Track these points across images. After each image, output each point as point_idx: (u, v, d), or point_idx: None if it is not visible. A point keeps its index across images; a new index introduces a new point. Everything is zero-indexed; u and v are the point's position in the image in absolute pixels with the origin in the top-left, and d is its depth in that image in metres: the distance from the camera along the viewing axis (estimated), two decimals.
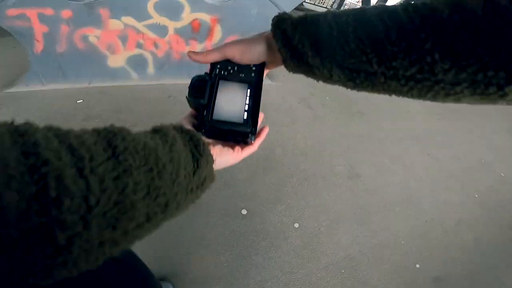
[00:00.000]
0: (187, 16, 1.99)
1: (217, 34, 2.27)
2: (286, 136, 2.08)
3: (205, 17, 2.10)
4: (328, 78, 0.40)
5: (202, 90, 0.44)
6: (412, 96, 0.35)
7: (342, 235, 1.66)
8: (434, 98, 0.33)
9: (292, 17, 0.40)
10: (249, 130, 0.44)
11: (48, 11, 1.75)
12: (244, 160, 1.50)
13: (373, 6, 0.35)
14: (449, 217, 1.94)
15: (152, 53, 2.17)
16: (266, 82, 2.54)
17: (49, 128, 0.26)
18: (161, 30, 2.02)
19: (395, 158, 2.26)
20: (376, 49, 0.33)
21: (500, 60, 0.27)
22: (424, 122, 3.01)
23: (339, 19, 0.36)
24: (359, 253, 1.60)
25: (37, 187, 0.21)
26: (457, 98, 0.32)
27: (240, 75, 0.47)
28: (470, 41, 0.28)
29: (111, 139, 0.29)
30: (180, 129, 0.40)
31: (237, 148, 0.47)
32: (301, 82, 2.79)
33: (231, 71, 0.46)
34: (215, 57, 0.46)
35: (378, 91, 0.38)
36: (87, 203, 0.24)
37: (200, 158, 0.38)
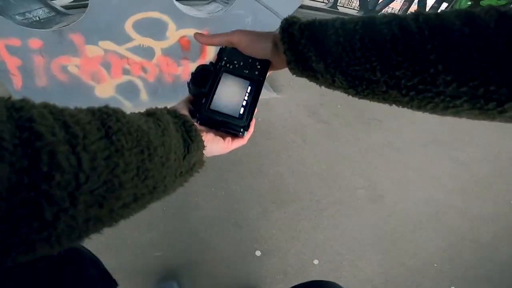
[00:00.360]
0: (173, 34, 1.77)
1: (211, 49, 2.04)
2: (297, 160, 1.86)
3: (193, 32, 1.89)
4: (331, 84, 0.40)
5: (205, 80, 0.45)
6: (412, 107, 0.35)
7: (367, 266, 1.52)
8: (433, 110, 0.34)
9: (301, 21, 0.40)
10: (242, 125, 0.46)
11: (15, 42, 1.56)
12: (254, 195, 1.62)
13: (383, 15, 0.35)
14: (483, 231, 1.77)
15: (142, 79, 1.96)
16: (271, 95, 2.34)
17: (45, 105, 0.26)
18: (146, 52, 1.81)
19: (419, 169, 2.05)
20: (381, 57, 0.33)
21: (504, 75, 0.26)
22: (446, 121, 2.74)
23: (347, 26, 0.36)
24: (387, 283, 1.47)
25: (29, 161, 0.21)
26: (456, 111, 0.32)
27: (244, 71, 0.47)
28: (477, 54, 0.27)
29: (105, 120, 0.29)
30: (174, 113, 0.41)
31: (228, 139, 0.48)
32: (309, 92, 2.59)
33: (236, 65, 0.47)
34: (221, 41, 0.47)
35: (378, 100, 0.38)
36: (77, 180, 0.24)
37: (191, 143, 0.38)
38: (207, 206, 1.56)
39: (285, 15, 1.74)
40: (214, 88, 0.46)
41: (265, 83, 2.00)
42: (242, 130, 0.47)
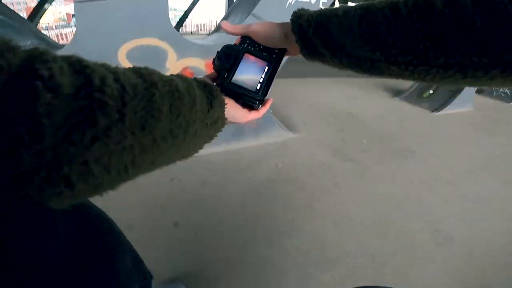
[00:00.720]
0: (174, 64, 1.49)
1: None
2: (333, 208, 1.47)
3: (197, 63, 1.61)
4: (340, 66, 0.45)
5: (229, 57, 0.51)
6: (415, 79, 0.39)
7: None
8: (433, 81, 0.37)
9: (309, 12, 0.46)
10: (258, 98, 0.51)
11: None
12: (290, 258, 1.22)
13: (379, 1, 0.38)
14: None
15: None
16: (287, 135, 2.15)
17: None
18: None
19: (478, 199, 1.75)
20: (378, 40, 0.38)
21: (484, 47, 0.30)
22: (479, 142, 2.75)
23: (348, 14, 0.41)
24: None
25: (84, 80, 0.24)
26: (453, 80, 0.35)
27: (263, 53, 0.53)
28: (457, 32, 0.31)
29: (137, 70, 0.32)
30: (194, 78, 0.44)
31: (245, 109, 0.53)
32: (326, 129, 2.40)
33: (257, 48, 0.53)
34: (241, 30, 0.54)
35: (385, 75, 0.42)
36: (122, 99, 0.26)
37: (214, 99, 0.42)
38: (231, 277, 1.15)
39: None
40: (236, 65, 0.51)
41: (279, 122, 1.74)
42: (257, 103, 0.52)
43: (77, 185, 0.24)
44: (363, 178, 1.75)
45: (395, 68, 0.38)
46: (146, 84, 0.29)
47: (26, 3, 38.41)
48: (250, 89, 0.51)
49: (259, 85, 0.52)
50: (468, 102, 4.16)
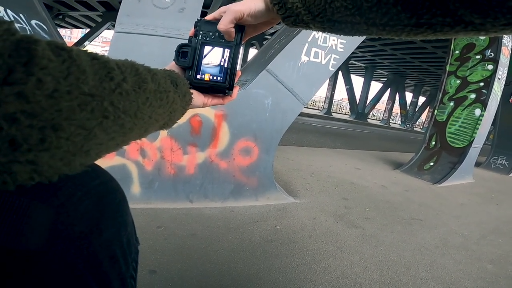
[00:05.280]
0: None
1: (224, 136, 1.77)
2: (336, 271, 1.34)
3: (207, 112, 1.64)
4: (322, 30, 0.48)
5: (186, 54, 0.51)
6: (391, 36, 0.42)
7: None
8: (407, 37, 0.41)
9: None
10: (227, 87, 0.52)
11: None
12: None
13: None
14: None
15: (138, 165, 1.60)
16: (287, 199, 2.12)
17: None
18: None
19: (497, 263, 1.68)
20: (355, 5, 0.40)
21: (446, 9, 0.33)
22: (487, 210, 2.81)
23: None
24: None
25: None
26: (425, 35, 0.39)
27: (221, 40, 0.52)
28: None
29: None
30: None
31: (208, 96, 0.54)
32: (329, 196, 2.40)
33: (212, 36, 0.52)
34: (230, 18, 0.50)
35: (363, 35, 0.45)
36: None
37: (177, 78, 0.44)
38: None
39: (305, 99, 2.10)
40: (196, 61, 0.51)
41: (280, 187, 2.21)
42: (227, 91, 0.54)
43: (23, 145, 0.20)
44: (369, 244, 1.65)
45: (373, 29, 0.41)
46: (98, 60, 0.28)
47: (71, 38, 40.09)
48: (216, 81, 0.51)
49: (224, 74, 0.51)
50: (469, 174, 4.19)
